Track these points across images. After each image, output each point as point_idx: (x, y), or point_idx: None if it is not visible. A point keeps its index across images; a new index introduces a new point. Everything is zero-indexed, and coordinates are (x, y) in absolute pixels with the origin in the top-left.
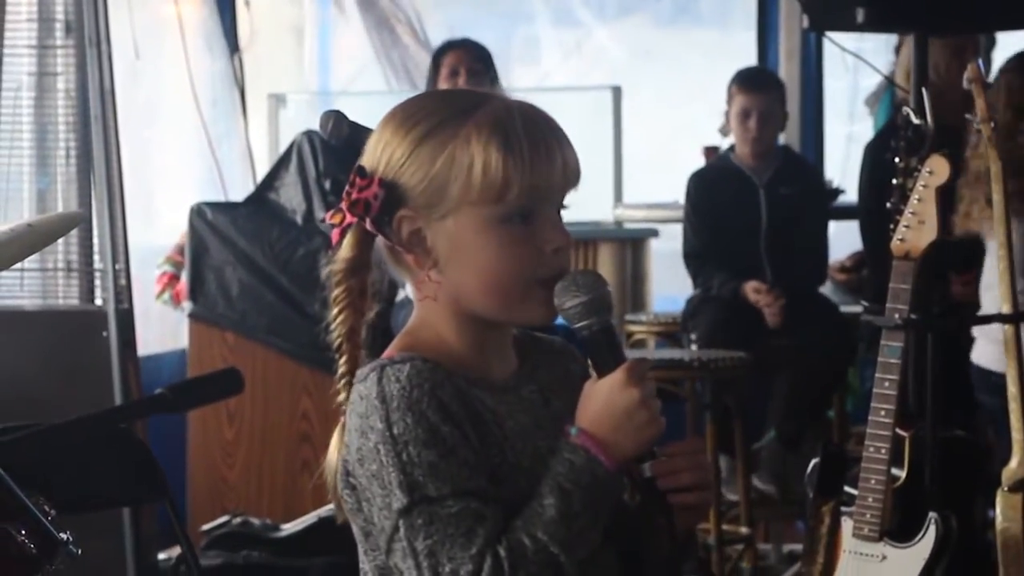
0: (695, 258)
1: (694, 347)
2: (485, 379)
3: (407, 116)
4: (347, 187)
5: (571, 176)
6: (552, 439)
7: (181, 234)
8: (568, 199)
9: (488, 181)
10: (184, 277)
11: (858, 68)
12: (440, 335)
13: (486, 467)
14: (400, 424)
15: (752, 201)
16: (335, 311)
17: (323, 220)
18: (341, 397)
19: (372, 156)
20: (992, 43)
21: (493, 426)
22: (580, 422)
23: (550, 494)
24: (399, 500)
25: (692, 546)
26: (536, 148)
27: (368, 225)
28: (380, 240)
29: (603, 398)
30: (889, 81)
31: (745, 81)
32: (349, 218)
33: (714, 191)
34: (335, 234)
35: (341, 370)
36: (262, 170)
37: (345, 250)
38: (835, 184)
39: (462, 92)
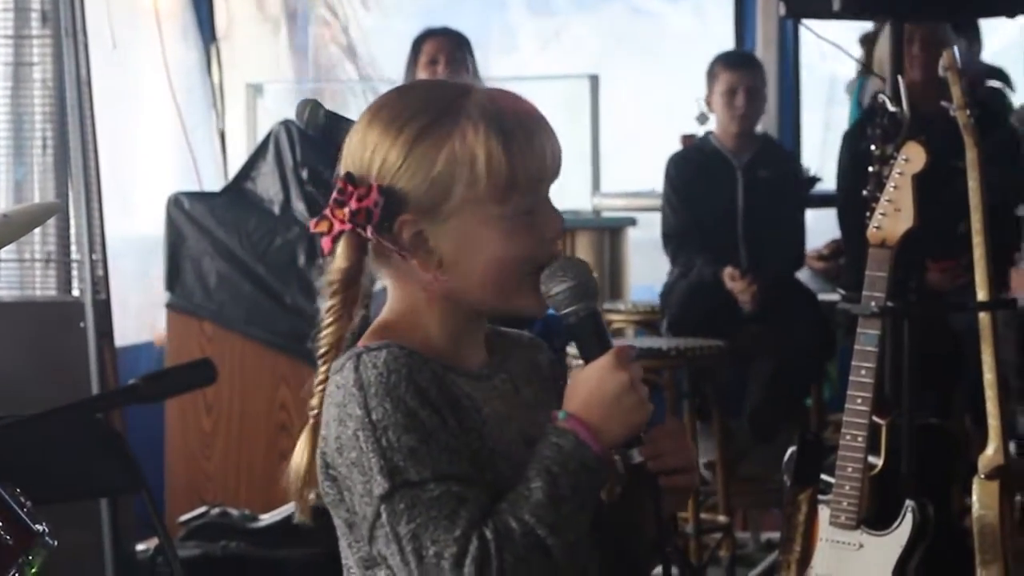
0: (673, 238)
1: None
2: (460, 367)
3: (394, 116)
4: (336, 195)
5: (559, 160)
6: (525, 426)
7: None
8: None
9: (493, 177)
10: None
11: (836, 56)
12: (417, 324)
13: (466, 451)
14: (379, 410)
15: (729, 183)
16: (328, 321)
17: (308, 229)
18: (313, 401)
19: (360, 160)
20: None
21: (472, 411)
22: (568, 407)
23: (537, 477)
24: (380, 486)
25: (674, 528)
26: (530, 138)
27: (369, 233)
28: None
29: (592, 383)
30: (865, 68)
31: (729, 59)
32: (339, 226)
33: (693, 172)
34: (326, 243)
35: (321, 377)
36: (239, 160)
37: (340, 260)
38: (812, 172)
39: (440, 86)
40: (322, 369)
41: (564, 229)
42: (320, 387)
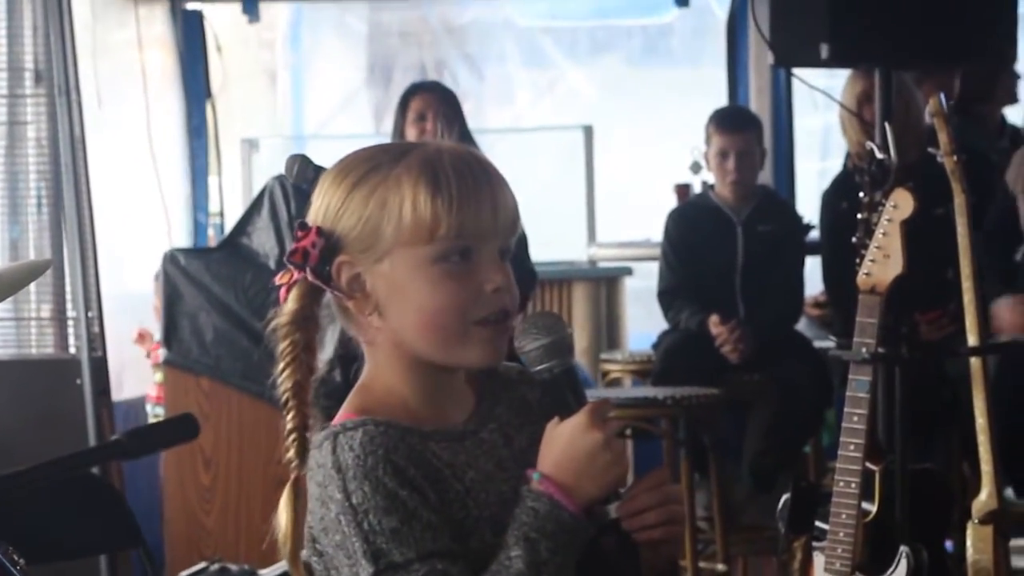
0: (668, 295)
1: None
2: (441, 430)
3: (343, 167)
4: (292, 239)
5: (505, 218)
6: (517, 480)
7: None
8: (542, 238)
9: (417, 219)
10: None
11: (829, 104)
12: (390, 388)
13: (449, 525)
14: (358, 493)
15: (729, 238)
16: (281, 366)
17: (273, 283)
18: (290, 454)
19: (313, 209)
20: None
21: (453, 481)
22: (543, 467)
23: (516, 545)
24: (365, 569)
25: None
26: (464, 187)
27: (309, 275)
28: (330, 297)
29: (565, 441)
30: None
31: (722, 121)
32: (296, 275)
33: (692, 228)
34: (282, 292)
35: (288, 427)
36: (235, 214)
37: (290, 303)
38: (807, 220)
39: (398, 142)
40: (288, 418)
41: (559, 280)
42: (291, 438)
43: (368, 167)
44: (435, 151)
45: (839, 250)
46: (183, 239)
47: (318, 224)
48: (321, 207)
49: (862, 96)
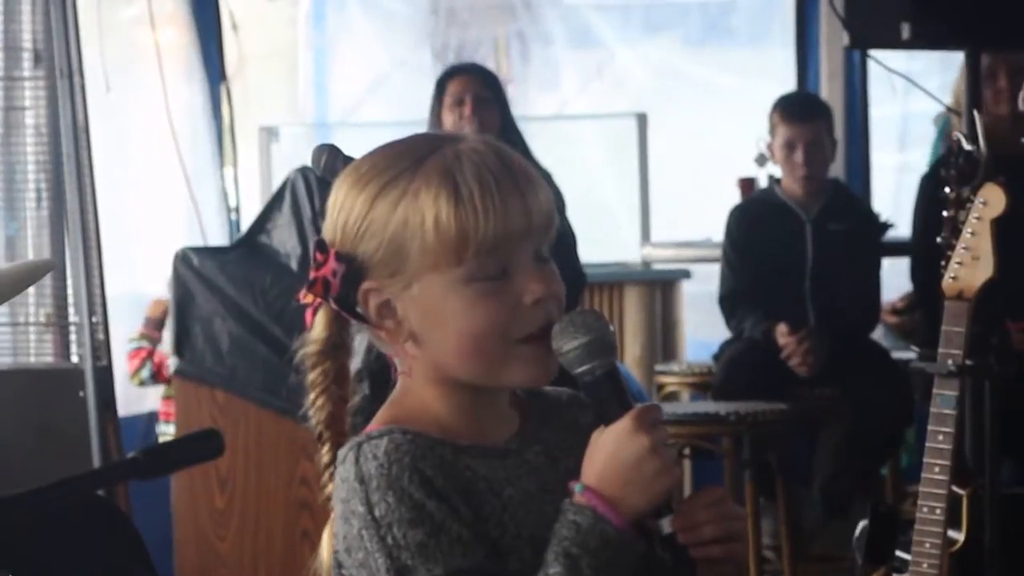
0: (731, 300)
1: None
2: (479, 445)
3: (359, 176)
4: (312, 263)
5: (538, 220)
6: (562, 501)
7: (151, 305)
8: (591, 237)
9: (442, 239)
10: (164, 341)
11: (909, 90)
12: (425, 404)
13: (483, 541)
14: (382, 505)
15: (798, 237)
16: (312, 396)
17: (296, 300)
18: (329, 489)
19: (329, 223)
20: None
21: (489, 496)
22: (586, 478)
23: (555, 562)
24: None
25: None
26: (489, 198)
27: (332, 305)
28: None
29: (609, 449)
30: (944, 106)
31: (789, 110)
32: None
33: (757, 227)
34: (308, 314)
35: (325, 460)
36: (253, 210)
37: (317, 330)
38: (884, 218)
39: (416, 141)
40: (323, 451)
41: (610, 283)
42: (328, 472)
43: (386, 178)
44: (454, 157)
45: (934, 244)
46: (219, 236)
47: (336, 247)
48: (338, 224)
49: (987, 72)
